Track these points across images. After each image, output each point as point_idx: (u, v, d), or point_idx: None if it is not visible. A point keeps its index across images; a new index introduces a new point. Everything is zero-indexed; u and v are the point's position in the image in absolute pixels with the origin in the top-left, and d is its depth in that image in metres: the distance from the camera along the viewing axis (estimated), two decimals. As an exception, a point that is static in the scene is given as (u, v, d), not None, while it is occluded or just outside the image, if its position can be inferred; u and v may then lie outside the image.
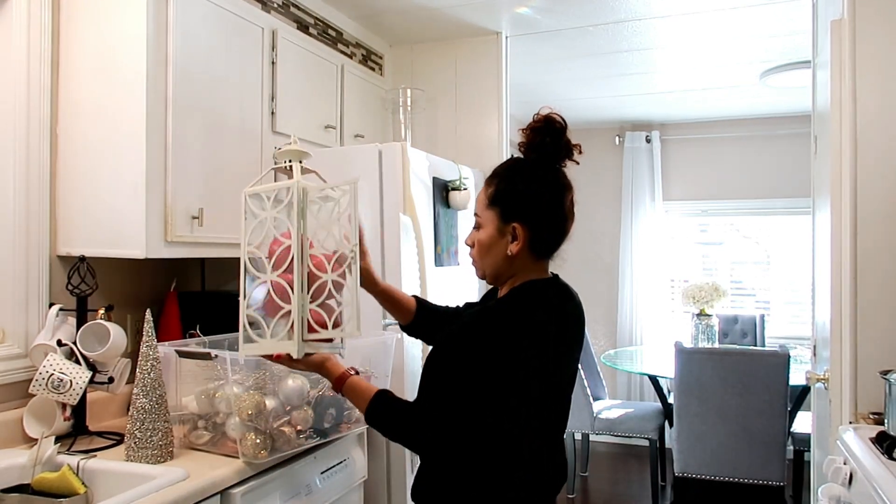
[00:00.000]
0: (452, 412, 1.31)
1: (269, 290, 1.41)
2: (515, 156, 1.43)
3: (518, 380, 1.31)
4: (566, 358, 1.42)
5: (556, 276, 1.45)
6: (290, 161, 1.49)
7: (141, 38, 1.81)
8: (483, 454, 1.33)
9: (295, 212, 1.40)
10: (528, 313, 1.33)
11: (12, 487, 1.49)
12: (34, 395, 1.70)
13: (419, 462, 1.45)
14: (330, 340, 1.44)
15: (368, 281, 1.58)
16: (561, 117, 1.38)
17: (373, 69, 3.14)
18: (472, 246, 1.44)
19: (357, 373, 1.46)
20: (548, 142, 1.36)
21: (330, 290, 1.42)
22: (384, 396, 1.39)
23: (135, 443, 1.57)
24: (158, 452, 1.58)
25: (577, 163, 1.40)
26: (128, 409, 1.76)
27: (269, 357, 1.42)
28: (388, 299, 1.65)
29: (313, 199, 1.46)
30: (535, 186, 1.36)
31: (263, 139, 2.27)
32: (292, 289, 1.38)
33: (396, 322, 1.70)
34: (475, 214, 1.44)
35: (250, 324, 1.44)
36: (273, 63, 2.34)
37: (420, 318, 1.66)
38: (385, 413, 1.38)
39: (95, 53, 1.86)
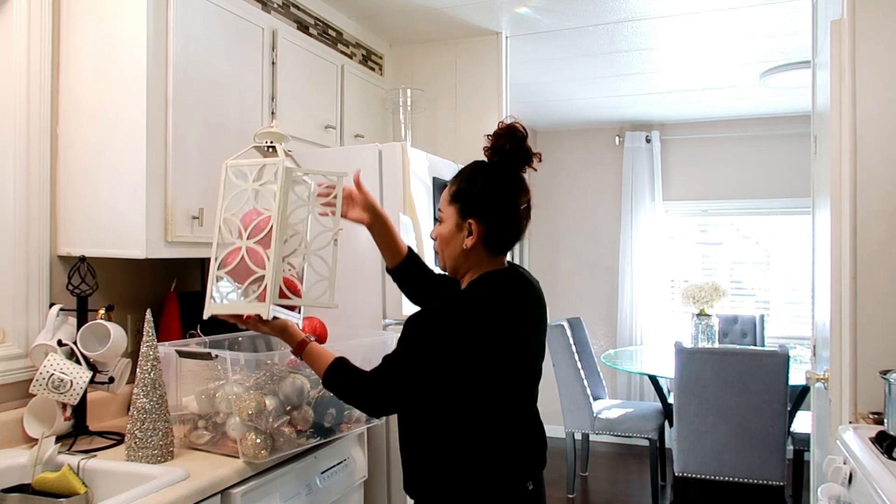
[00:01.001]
0: (409, 385, 1.39)
1: (242, 255, 1.49)
2: (480, 159, 1.52)
3: (479, 365, 1.37)
4: (530, 338, 1.48)
5: (512, 266, 1.53)
6: (271, 143, 1.58)
7: (141, 39, 1.81)
8: (454, 437, 1.40)
9: (279, 187, 1.48)
10: (487, 302, 1.41)
11: (13, 487, 1.49)
12: (34, 395, 1.70)
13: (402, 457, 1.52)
14: (293, 308, 1.56)
15: (366, 206, 1.65)
16: (523, 126, 1.48)
17: (373, 69, 3.14)
18: (435, 239, 1.53)
19: (315, 340, 1.56)
20: (508, 148, 1.46)
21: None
22: (342, 362, 1.49)
23: (135, 443, 1.57)
24: (159, 452, 1.58)
25: (535, 169, 1.49)
26: (128, 409, 1.76)
27: (238, 317, 1.51)
28: (386, 232, 1.68)
29: (295, 179, 1.55)
30: (492, 187, 1.45)
31: (263, 139, 2.28)
32: (268, 255, 1.45)
33: (385, 267, 1.75)
34: (438, 210, 1.53)
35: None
36: (273, 63, 2.34)
37: (406, 265, 1.71)
38: (342, 376, 1.47)
39: (95, 54, 1.86)
